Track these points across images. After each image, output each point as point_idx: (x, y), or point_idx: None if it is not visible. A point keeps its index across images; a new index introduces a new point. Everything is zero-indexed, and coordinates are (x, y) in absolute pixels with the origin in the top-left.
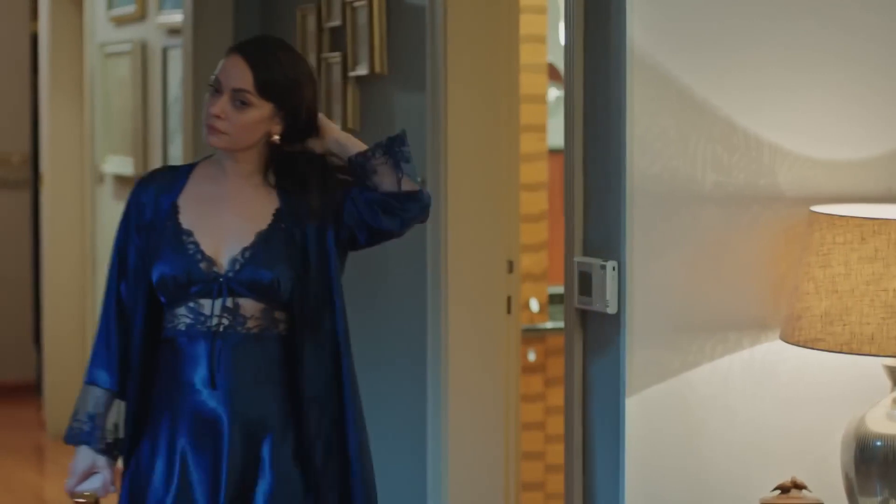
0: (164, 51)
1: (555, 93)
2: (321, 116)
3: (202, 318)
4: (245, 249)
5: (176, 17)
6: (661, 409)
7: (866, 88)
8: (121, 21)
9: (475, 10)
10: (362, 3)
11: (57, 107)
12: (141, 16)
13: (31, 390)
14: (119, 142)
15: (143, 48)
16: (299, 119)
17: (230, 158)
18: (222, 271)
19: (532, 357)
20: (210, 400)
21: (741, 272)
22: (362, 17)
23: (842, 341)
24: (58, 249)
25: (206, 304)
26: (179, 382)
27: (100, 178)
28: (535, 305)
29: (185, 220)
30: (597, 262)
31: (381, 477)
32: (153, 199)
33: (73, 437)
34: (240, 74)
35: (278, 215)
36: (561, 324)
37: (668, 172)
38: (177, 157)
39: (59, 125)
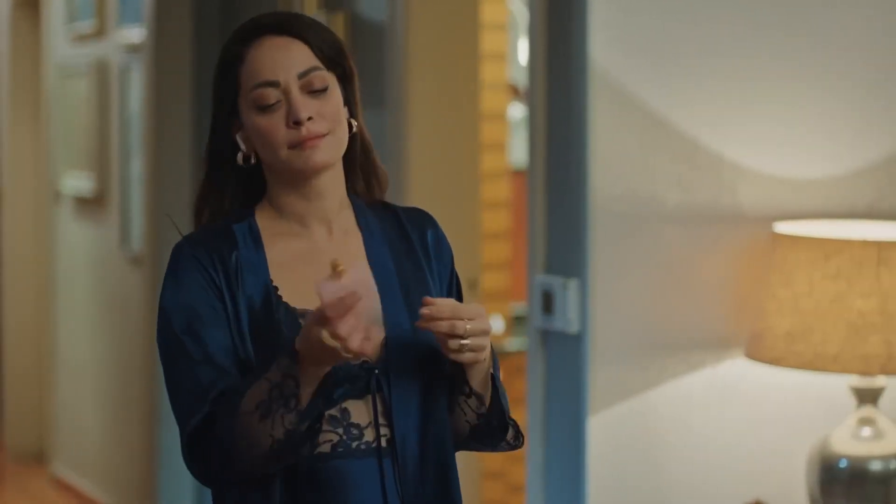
0: (123, 68)
1: (518, 111)
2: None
3: (354, 433)
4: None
5: (135, 33)
6: (623, 428)
7: (828, 106)
8: (80, 39)
9: (436, 26)
10: (322, 20)
11: (16, 124)
12: (100, 31)
13: None
14: (78, 158)
15: (102, 65)
16: (354, 92)
17: (315, 194)
18: (375, 360)
19: None
20: None
21: (704, 291)
22: None
23: (805, 360)
24: (17, 268)
25: (356, 411)
26: None
27: (56, 196)
28: (498, 324)
29: (293, 298)
30: (559, 280)
31: None
32: (233, 282)
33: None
34: (298, 53)
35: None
36: (524, 343)
37: (630, 191)
38: (136, 174)
39: (18, 142)
